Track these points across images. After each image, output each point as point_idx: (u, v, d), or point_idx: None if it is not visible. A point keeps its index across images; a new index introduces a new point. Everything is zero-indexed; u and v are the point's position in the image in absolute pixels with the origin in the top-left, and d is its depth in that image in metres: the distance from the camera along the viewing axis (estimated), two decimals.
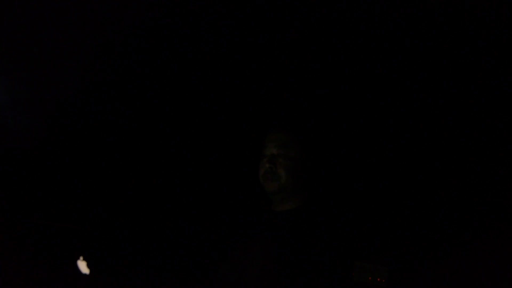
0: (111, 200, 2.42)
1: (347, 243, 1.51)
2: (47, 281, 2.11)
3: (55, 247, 2.21)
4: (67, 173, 2.39)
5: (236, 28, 2.26)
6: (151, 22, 2.23)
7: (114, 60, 2.31)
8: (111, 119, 2.41)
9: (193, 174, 2.40)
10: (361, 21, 2.17)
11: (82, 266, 2.08)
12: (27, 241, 2.20)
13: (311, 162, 1.61)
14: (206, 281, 1.71)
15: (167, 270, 2.33)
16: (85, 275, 2.07)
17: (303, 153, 1.58)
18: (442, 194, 2.23)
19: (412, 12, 2.09)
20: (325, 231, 1.49)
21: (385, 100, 2.24)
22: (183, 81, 2.39)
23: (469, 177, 2.20)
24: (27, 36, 2.18)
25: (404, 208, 2.26)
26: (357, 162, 2.25)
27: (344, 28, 2.20)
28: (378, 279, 2.07)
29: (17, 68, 2.26)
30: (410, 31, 2.15)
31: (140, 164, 2.42)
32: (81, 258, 2.08)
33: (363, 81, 2.27)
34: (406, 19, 2.11)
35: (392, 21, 2.13)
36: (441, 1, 2.02)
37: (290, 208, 1.59)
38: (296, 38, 2.24)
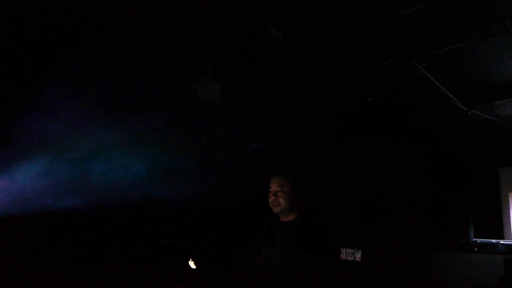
0: None
1: (324, 238, 2.77)
2: None
3: None
4: None
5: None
6: None
7: None
8: None
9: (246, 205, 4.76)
10: None
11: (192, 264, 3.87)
12: None
13: (297, 194, 2.93)
14: (248, 265, 2.98)
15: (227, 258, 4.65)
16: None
17: (291, 189, 2.90)
18: None
19: None
20: (309, 231, 2.78)
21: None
22: None
23: None
24: None
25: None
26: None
27: None
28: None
29: None
30: None
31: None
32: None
33: None
34: None
35: None
36: None
37: (290, 220, 2.89)
38: None
